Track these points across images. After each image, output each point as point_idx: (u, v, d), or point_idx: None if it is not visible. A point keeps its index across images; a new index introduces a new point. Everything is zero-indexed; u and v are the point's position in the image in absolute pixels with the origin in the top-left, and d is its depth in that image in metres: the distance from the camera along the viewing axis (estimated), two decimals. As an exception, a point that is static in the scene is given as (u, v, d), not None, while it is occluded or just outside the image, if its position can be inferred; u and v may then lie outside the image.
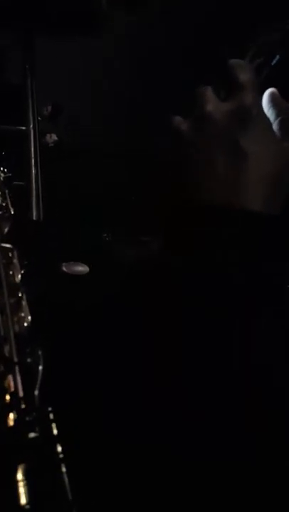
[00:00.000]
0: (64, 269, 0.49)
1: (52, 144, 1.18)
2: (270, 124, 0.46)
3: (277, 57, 0.48)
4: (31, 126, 1.02)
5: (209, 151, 0.44)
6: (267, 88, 0.46)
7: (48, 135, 1.19)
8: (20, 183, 0.98)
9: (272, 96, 0.47)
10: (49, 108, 1.20)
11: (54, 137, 1.19)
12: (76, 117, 1.24)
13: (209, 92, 0.46)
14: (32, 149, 1.01)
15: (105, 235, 0.66)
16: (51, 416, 0.32)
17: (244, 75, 0.46)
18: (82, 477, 0.31)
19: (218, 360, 0.40)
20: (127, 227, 0.82)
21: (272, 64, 0.48)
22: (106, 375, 0.40)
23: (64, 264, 0.49)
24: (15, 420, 0.30)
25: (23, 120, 1.02)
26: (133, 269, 0.51)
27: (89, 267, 0.50)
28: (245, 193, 0.43)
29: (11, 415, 0.30)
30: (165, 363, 0.39)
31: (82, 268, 0.49)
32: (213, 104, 0.45)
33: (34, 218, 0.96)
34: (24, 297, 0.40)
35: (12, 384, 0.32)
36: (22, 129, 1.02)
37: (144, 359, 0.40)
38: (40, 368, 0.35)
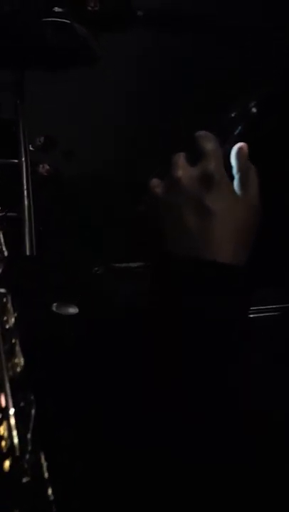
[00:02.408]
0: (54, 309, 0.52)
1: (45, 174, 1.21)
2: (231, 186, 0.53)
3: (239, 127, 0.54)
4: (23, 159, 1.06)
5: (179, 209, 0.51)
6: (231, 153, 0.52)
7: (41, 165, 1.23)
8: (13, 214, 1.02)
9: (239, 150, 0.54)
10: (42, 139, 1.24)
11: (46, 167, 1.22)
12: (69, 147, 1.27)
13: (181, 159, 0.52)
14: (24, 181, 1.05)
15: (96, 268, 0.68)
16: (43, 459, 0.34)
17: (209, 144, 0.52)
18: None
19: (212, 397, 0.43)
20: (118, 257, 0.85)
21: (235, 133, 0.54)
22: (99, 417, 0.43)
23: (54, 304, 0.52)
24: (10, 466, 0.33)
25: (15, 153, 1.05)
26: (125, 307, 0.54)
27: (80, 306, 0.53)
28: (211, 244, 0.49)
29: (7, 462, 0.33)
30: (160, 403, 0.42)
31: (72, 309, 0.52)
32: (183, 170, 0.52)
33: (27, 248, 0.99)
34: (17, 342, 0.43)
35: (7, 431, 0.35)
36: (14, 162, 1.06)
37: (139, 400, 0.43)
38: (33, 411, 0.38)
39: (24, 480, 0.33)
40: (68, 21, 1.07)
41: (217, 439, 0.42)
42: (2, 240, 0.57)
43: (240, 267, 0.49)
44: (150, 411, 0.42)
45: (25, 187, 1.02)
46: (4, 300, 0.47)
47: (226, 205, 0.50)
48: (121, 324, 0.50)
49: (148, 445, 0.41)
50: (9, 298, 0.48)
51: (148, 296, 0.51)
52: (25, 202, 1.01)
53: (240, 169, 0.54)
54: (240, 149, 0.54)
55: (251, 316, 0.56)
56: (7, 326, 0.45)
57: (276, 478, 0.42)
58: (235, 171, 0.54)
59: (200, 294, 0.47)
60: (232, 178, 0.53)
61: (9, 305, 0.47)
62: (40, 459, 0.34)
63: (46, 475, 0.34)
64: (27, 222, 0.99)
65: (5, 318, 0.45)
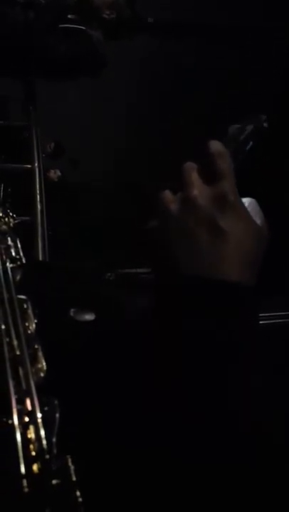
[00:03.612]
0: (72, 314, 0.52)
1: (56, 180, 1.23)
2: (245, 207, 0.53)
3: (251, 143, 0.54)
4: (36, 164, 1.08)
5: (191, 227, 0.51)
6: (242, 170, 0.52)
7: (53, 171, 1.24)
8: (26, 217, 1.03)
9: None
10: (52, 145, 1.25)
11: (58, 173, 1.24)
12: (79, 155, 1.29)
13: (196, 176, 0.52)
14: (37, 186, 1.06)
15: (109, 274, 0.69)
16: (70, 462, 0.35)
17: (224, 164, 0.53)
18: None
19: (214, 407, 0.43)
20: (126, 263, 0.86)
21: (246, 149, 0.54)
22: (112, 418, 0.44)
23: (72, 310, 0.53)
24: (39, 469, 0.34)
25: (28, 159, 1.07)
26: (136, 318, 0.54)
27: (95, 312, 0.53)
28: (220, 265, 0.49)
29: (36, 464, 0.34)
30: (164, 409, 0.43)
31: (88, 316, 0.52)
32: (198, 189, 0.52)
33: (39, 252, 1.00)
34: (40, 348, 0.44)
35: (35, 434, 0.36)
36: (27, 167, 1.07)
37: (145, 404, 0.44)
38: (57, 416, 0.39)
39: (54, 482, 0.34)
40: (83, 27, 1.08)
41: (217, 443, 0.42)
42: (20, 247, 0.58)
43: (247, 289, 0.49)
44: (152, 417, 0.43)
45: (38, 192, 1.03)
46: (25, 306, 0.48)
47: (239, 227, 0.50)
48: (128, 332, 0.51)
49: (148, 452, 0.42)
50: (29, 304, 0.49)
51: (152, 311, 0.51)
52: (38, 206, 1.03)
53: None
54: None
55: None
56: (29, 332, 0.46)
57: (276, 479, 0.43)
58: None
59: (203, 315, 0.47)
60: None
61: (30, 311, 0.48)
62: (67, 462, 0.35)
63: (74, 478, 0.35)
64: (39, 227, 1.01)
65: (26, 323, 0.46)
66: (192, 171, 0.52)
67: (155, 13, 1.28)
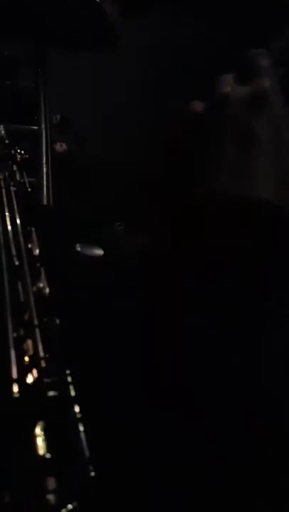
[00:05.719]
0: (78, 249, 0.49)
1: (62, 153, 1.19)
2: (285, 111, 0.45)
3: None
4: (43, 126, 1.04)
5: (220, 133, 0.43)
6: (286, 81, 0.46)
7: (59, 144, 1.20)
8: (31, 179, 0.99)
9: None
10: (58, 117, 1.21)
11: (64, 146, 1.20)
12: (85, 128, 1.25)
13: (229, 77, 0.46)
14: (44, 148, 1.02)
15: (118, 223, 0.65)
16: (69, 378, 0.31)
17: (263, 61, 0.46)
18: (97, 436, 0.31)
19: (217, 355, 0.39)
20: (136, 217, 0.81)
21: None
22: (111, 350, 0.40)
23: (78, 244, 0.49)
24: (36, 379, 0.30)
25: (36, 121, 1.03)
26: (140, 255, 0.50)
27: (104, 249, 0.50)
28: (255, 178, 0.42)
29: (31, 375, 0.30)
30: (164, 349, 0.39)
31: (96, 251, 0.49)
32: (230, 87, 0.45)
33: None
34: (42, 269, 0.40)
35: (31, 347, 0.32)
36: (34, 129, 1.04)
37: (144, 340, 0.40)
38: (58, 332, 0.35)
39: (51, 394, 0.29)
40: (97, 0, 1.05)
41: (218, 437, 0.38)
42: (25, 176, 0.55)
43: (281, 210, 0.41)
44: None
45: (44, 153, 1.00)
46: (28, 229, 0.44)
47: (276, 133, 0.42)
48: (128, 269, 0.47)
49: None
50: (33, 229, 0.45)
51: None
52: (44, 168, 0.99)
53: None
54: None
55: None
56: (32, 253, 0.42)
57: (277, 477, 0.39)
58: None
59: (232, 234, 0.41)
60: None
61: (34, 235, 0.44)
62: (66, 377, 0.31)
63: (73, 393, 0.30)
64: (45, 189, 0.97)
65: (29, 245, 0.42)
66: (227, 75, 0.45)
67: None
